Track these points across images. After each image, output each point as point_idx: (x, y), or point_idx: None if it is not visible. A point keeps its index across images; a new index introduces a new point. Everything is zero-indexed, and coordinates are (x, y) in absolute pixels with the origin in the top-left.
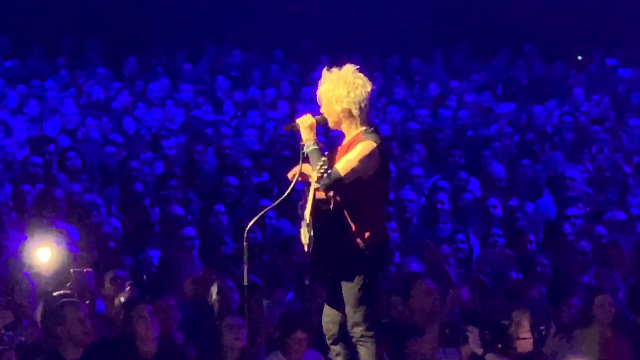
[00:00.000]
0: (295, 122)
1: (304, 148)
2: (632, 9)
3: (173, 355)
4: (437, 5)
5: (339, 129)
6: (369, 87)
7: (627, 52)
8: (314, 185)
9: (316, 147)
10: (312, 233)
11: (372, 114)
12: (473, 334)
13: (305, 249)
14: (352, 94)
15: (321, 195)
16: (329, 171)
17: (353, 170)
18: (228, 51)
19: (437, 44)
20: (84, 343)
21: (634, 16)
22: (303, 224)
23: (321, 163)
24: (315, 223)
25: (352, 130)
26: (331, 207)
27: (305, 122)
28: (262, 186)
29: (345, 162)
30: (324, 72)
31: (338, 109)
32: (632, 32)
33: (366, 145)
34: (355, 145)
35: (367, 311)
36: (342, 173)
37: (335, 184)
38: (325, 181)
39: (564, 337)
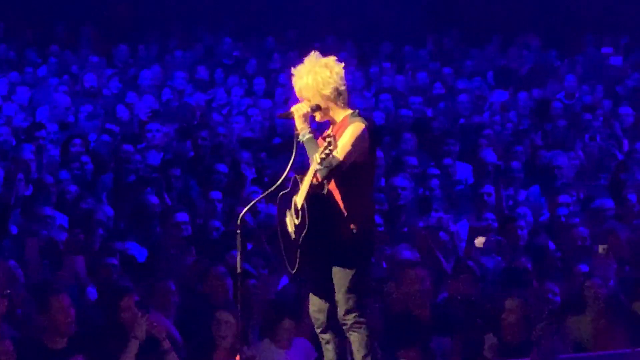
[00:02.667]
0: (290, 110)
1: (299, 137)
2: None
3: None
4: None
5: (328, 119)
6: (339, 66)
7: (622, 40)
8: (314, 168)
9: (311, 135)
10: (306, 219)
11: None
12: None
13: (292, 236)
14: (332, 77)
15: (314, 180)
16: (333, 152)
17: (349, 154)
18: (220, 39)
19: (430, 31)
20: (67, 333)
21: (629, 4)
22: (289, 212)
23: (326, 144)
24: (309, 209)
25: (339, 114)
26: (325, 191)
27: (300, 111)
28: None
29: (341, 147)
30: (294, 70)
31: (325, 94)
32: (628, 21)
33: (356, 128)
34: (343, 129)
35: (360, 297)
36: (341, 158)
37: (336, 169)
38: (327, 164)
39: (555, 324)
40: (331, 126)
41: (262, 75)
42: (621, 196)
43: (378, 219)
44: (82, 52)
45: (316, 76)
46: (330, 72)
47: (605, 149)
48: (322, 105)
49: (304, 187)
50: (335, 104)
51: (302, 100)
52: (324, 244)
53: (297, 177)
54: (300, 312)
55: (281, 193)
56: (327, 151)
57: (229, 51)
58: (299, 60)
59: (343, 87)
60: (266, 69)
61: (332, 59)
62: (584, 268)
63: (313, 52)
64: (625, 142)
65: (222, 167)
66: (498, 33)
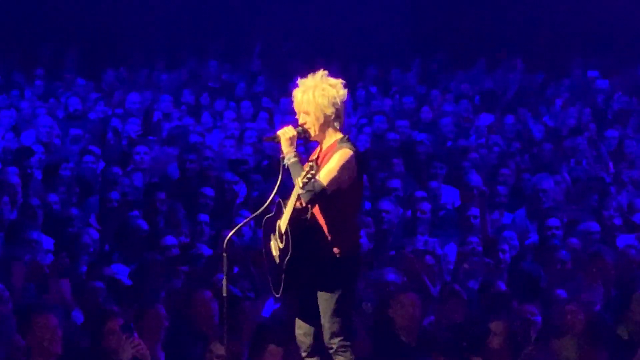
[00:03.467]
0: (276, 133)
1: (285, 160)
2: (615, 19)
3: None
4: (416, 16)
5: (318, 140)
6: (344, 90)
7: (608, 63)
8: (297, 192)
9: (297, 159)
10: (290, 243)
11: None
12: None
13: (277, 260)
14: (337, 99)
15: (298, 204)
16: (315, 177)
17: (334, 180)
18: (206, 62)
19: (416, 54)
20: (53, 354)
21: (615, 27)
22: (273, 236)
23: (308, 168)
24: (293, 233)
25: (330, 137)
26: (308, 215)
27: (286, 134)
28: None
29: (327, 173)
30: (300, 82)
31: (326, 113)
32: (613, 43)
33: (344, 154)
34: (331, 154)
35: (345, 321)
36: (325, 183)
37: (320, 195)
38: (310, 188)
39: (540, 347)
40: (319, 147)
41: (248, 98)
42: (606, 220)
43: (366, 242)
44: (68, 76)
45: (323, 92)
46: (337, 93)
47: (591, 172)
48: (316, 127)
49: (287, 212)
50: (332, 125)
51: (299, 114)
52: (308, 268)
53: (281, 201)
54: (286, 337)
55: (266, 217)
56: (309, 175)
57: (215, 74)
58: (286, 83)
59: (343, 112)
60: (252, 92)
61: (339, 82)
62: (562, 293)
63: (322, 70)
64: (611, 165)
65: (209, 190)
66: (484, 56)
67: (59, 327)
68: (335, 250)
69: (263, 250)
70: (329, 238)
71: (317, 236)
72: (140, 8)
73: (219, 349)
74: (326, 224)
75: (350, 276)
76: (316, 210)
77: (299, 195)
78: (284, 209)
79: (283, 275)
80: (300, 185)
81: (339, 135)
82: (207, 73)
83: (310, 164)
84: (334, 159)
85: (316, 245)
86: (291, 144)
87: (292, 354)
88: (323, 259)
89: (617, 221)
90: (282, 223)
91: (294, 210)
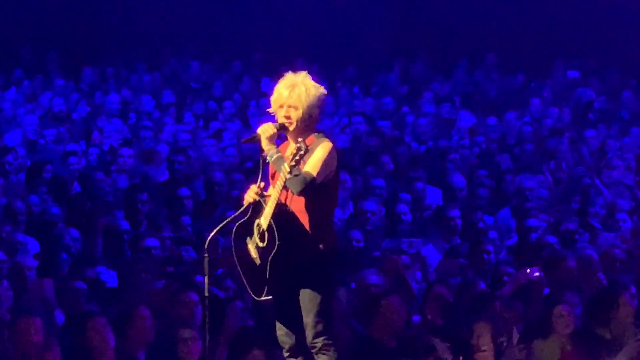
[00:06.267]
0: (256, 132)
1: (268, 157)
2: (595, 20)
3: None
4: (397, 17)
5: (292, 137)
6: (325, 93)
7: (588, 64)
8: (280, 185)
9: (280, 154)
10: (275, 236)
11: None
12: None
13: (257, 262)
14: (321, 97)
15: (282, 197)
16: (304, 157)
17: (322, 171)
18: (187, 62)
19: (397, 55)
20: (36, 356)
21: (596, 28)
22: (250, 239)
23: (295, 150)
24: (278, 226)
25: (306, 134)
26: (289, 209)
27: (266, 132)
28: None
29: (314, 164)
30: (288, 75)
31: (310, 112)
32: (594, 44)
33: (326, 146)
34: (313, 148)
35: (329, 320)
36: (314, 173)
37: (310, 184)
38: (297, 172)
39: (524, 348)
40: (287, 144)
41: (229, 98)
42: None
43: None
44: (48, 76)
45: (309, 90)
46: (321, 93)
47: (572, 172)
48: (299, 123)
49: (269, 207)
50: (309, 124)
51: (282, 108)
52: (292, 265)
53: (260, 199)
54: (269, 340)
55: (237, 223)
56: (297, 157)
57: (196, 75)
58: (266, 84)
59: (318, 113)
60: (234, 92)
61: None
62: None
63: (305, 71)
64: (592, 165)
65: (192, 191)
66: (465, 57)
67: (42, 329)
68: (320, 246)
69: (235, 257)
70: (313, 233)
71: (301, 232)
72: (121, 8)
73: (187, 333)
74: (309, 219)
75: (333, 274)
76: (299, 206)
77: (282, 189)
78: (263, 207)
79: (267, 274)
80: (288, 169)
81: (314, 132)
82: (188, 73)
83: (299, 145)
84: (318, 151)
85: (301, 241)
86: (271, 142)
87: (275, 357)
88: (308, 255)
89: (600, 221)
90: (264, 219)
91: (277, 205)
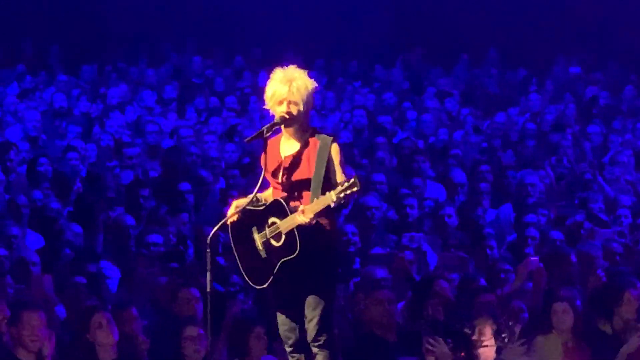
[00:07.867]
0: (262, 129)
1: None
2: (596, 15)
3: None
4: (398, 12)
5: (289, 131)
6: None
7: (590, 59)
8: (324, 203)
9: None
10: (298, 245)
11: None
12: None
13: (263, 255)
14: (315, 91)
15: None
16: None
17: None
18: (189, 57)
19: (399, 50)
20: (35, 349)
21: (597, 23)
22: (256, 228)
23: (348, 185)
24: (302, 237)
25: (303, 128)
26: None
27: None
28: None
29: (340, 172)
30: (282, 71)
31: (308, 105)
32: (596, 40)
33: (338, 147)
34: (315, 146)
35: (332, 315)
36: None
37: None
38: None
39: (524, 344)
40: (281, 137)
41: (232, 94)
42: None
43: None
44: (51, 71)
45: (307, 84)
46: (315, 86)
47: (575, 168)
48: (299, 117)
49: (293, 218)
50: (307, 118)
51: (282, 103)
52: (307, 265)
53: (282, 202)
54: (269, 331)
55: (249, 207)
56: (348, 192)
57: (198, 70)
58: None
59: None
60: (236, 87)
61: None
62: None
63: (294, 65)
64: (595, 161)
65: (194, 186)
66: (466, 52)
67: (44, 323)
68: (330, 247)
69: (232, 242)
70: (331, 232)
71: (322, 233)
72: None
73: (193, 331)
74: (327, 218)
75: (337, 271)
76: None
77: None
78: (287, 211)
79: (275, 270)
80: (334, 199)
81: (310, 127)
82: (190, 69)
83: (353, 180)
84: (336, 155)
85: (322, 242)
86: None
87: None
88: (318, 258)
89: (602, 216)
90: (284, 225)
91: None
